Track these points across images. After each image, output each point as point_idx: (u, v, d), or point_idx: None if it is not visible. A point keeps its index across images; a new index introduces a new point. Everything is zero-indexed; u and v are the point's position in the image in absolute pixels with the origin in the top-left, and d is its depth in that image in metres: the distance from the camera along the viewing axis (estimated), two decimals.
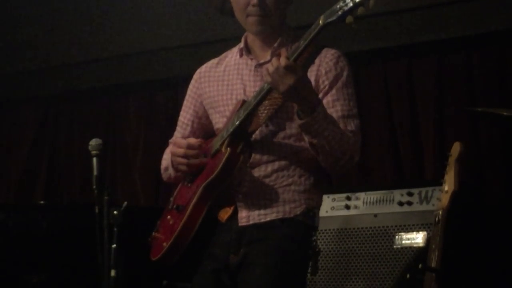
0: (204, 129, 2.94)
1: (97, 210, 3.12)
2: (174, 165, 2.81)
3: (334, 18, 2.43)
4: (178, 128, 2.99)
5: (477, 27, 4.30)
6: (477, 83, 4.34)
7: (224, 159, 2.61)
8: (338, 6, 2.42)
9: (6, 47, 5.58)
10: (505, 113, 3.36)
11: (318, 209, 2.76)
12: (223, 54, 2.93)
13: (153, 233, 2.85)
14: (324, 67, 2.69)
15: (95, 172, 3.14)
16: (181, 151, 2.74)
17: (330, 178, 4.43)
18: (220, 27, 4.40)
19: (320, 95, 2.67)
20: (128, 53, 5.28)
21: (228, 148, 2.63)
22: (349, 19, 2.40)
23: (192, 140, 2.76)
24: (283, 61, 2.46)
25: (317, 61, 2.67)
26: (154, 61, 5.23)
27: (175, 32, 5.09)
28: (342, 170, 2.68)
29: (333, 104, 2.66)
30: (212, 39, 4.57)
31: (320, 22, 2.46)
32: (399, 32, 4.50)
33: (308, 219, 2.71)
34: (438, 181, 3.30)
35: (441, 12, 4.39)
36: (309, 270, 2.76)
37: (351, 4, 2.39)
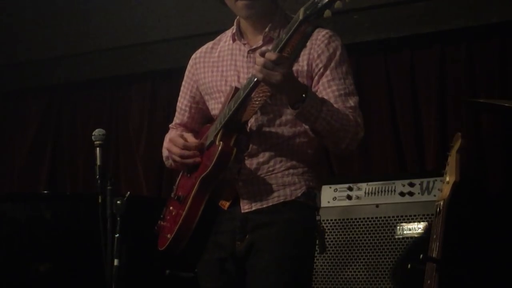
0: (202, 113, 2.96)
1: (100, 200, 3.14)
2: (171, 160, 2.84)
3: (312, 12, 2.41)
4: (176, 113, 3.01)
5: (479, 19, 4.29)
6: (478, 75, 4.35)
7: (217, 153, 2.63)
8: (315, 0, 2.41)
9: (10, 37, 5.59)
10: (506, 104, 3.37)
11: (319, 189, 2.78)
12: (218, 38, 2.93)
13: (159, 222, 2.88)
14: (316, 50, 2.69)
15: (98, 162, 3.16)
16: (177, 150, 2.76)
17: (330, 164, 4.47)
18: (222, 17, 4.40)
19: (316, 78, 2.69)
20: (131, 43, 5.28)
21: (221, 142, 2.64)
22: (327, 13, 2.39)
23: (190, 139, 2.79)
24: (272, 55, 2.46)
25: (308, 44, 2.66)
26: (157, 52, 5.23)
27: (178, 23, 5.10)
28: (349, 148, 2.68)
29: (329, 84, 2.67)
30: (214, 30, 4.55)
31: (300, 16, 2.45)
32: (401, 24, 4.50)
33: (309, 200, 2.73)
34: (439, 172, 3.33)
35: (443, 3, 4.38)
36: (317, 249, 2.78)
37: None
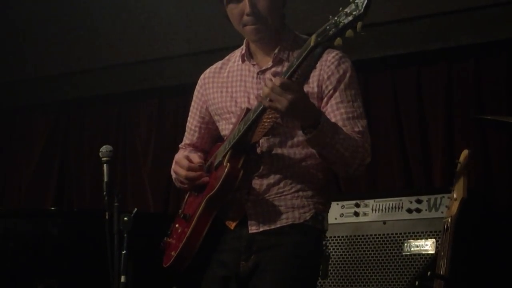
0: (212, 133, 2.95)
1: (107, 216, 3.14)
2: (179, 182, 2.85)
3: (324, 39, 2.40)
4: (186, 134, 3.00)
5: (485, 35, 4.30)
6: (485, 91, 4.35)
7: (224, 175, 2.62)
8: (328, 27, 2.39)
9: (17, 54, 5.62)
10: None
11: (327, 212, 2.77)
12: (227, 57, 2.92)
13: (165, 238, 2.87)
14: (326, 72, 2.68)
15: (105, 179, 3.16)
16: (182, 172, 2.76)
17: (337, 180, 4.46)
18: (229, 34, 4.42)
19: (325, 100, 2.68)
20: (138, 60, 5.30)
21: (228, 164, 2.63)
22: (338, 41, 2.37)
23: (195, 160, 2.78)
24: (277, 80, 2.45)
25: (318, 65, 2.65)
26: (163, 69, 5.25)
27: (185, 39, 5.12)
28: (355, 173, 2.67)
29: (337, 107, 2.66)
30: (221, 47, 4.58)
31: (311, 43, 2.43)
32: (408, 40, 4.51)
33: (317, 223, 2.71)
34: (447, 189, 3.31)
35: (450, 20, 4.39)
36: (320, 274, 2.77)
37: (340, 27, 2.35)
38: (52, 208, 5.24)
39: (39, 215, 3.99)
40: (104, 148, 3.20)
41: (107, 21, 5.35)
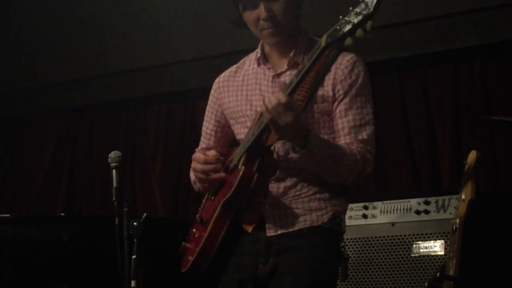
0: (228, 137, 2.95)
1: (117, 222, 3.14)
2: (197, 180, 2.85)
3: (334, 39, 2.43)
4: (202, 138, 3.01)
5: (492, 36, 4.30)
6: (492, 92, 4.35)
7: (238, 178, 2.63)
8: (338, 27, 2.41)
9: (25, 62, 5.65)
10: None
11: (344, 214, 2.78)
12: (241, 61, 2.93)
13: (183, 243, 2.88)
14: (339, 75, 2.69)
15: (114, 184, 3.17)
16: (199, 166, 2.77)
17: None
18: (236, 39, 4.44)
19: (335, 104, 2.69)
20: (146, 66, 5.32)
21: (243, 167, 2.64)
22: (348, 41, 2.40)
23: (210, 153, 2.78)
24: (282, 98, 2.47)
25: (333, 68, 2.66)
26: (171, 74, 5.27)
27: (192, 45, 5.13)
28: (355, 183, 2.70)
29: (346, 113, 2.68)
30: (228, 51, 4.60)
31: (322, 43, 2.46)
32: (415, 42, 4.51)
33: (335, 225, 2.72)
34: (455, 190, 3.31)
35: (456, 21, 4.40)
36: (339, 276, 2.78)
37: (349, 27, 2.38)
38: (62, 214, 5.26)
39: (50, 221, 3.99)
40: (113, 154, 3.21)
41: (114, 28, 5.38)
